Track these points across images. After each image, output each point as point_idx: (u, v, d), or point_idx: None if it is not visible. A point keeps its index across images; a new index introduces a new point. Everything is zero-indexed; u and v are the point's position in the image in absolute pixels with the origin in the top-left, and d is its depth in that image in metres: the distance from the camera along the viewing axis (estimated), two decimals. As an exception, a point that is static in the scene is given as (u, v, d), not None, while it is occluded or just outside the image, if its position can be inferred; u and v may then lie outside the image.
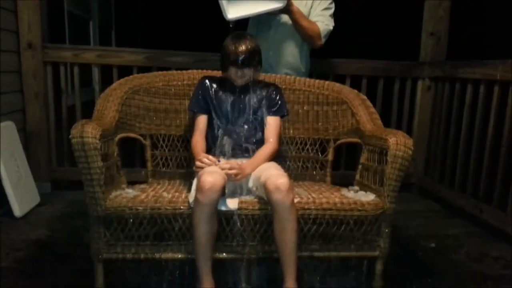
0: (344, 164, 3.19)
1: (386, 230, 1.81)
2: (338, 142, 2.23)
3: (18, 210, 2.54)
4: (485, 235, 2.55)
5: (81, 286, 1.79)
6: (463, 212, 2.82)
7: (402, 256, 2.20)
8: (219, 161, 1.74)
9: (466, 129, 2.85)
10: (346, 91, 2.27)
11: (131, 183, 1.97)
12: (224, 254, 1.75)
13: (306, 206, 1.71)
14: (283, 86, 2.16)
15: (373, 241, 1.83)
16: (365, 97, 2.26)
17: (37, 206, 2.76)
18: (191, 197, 1.64)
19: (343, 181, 2.14)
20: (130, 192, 1.74)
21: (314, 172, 2.25)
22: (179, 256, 1.74)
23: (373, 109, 2.18)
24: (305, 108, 2.23)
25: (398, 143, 1.74)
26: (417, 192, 3.36)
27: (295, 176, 2.18)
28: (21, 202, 2.58)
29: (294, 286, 1.66)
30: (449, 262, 2.22)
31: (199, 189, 1.56)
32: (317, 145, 2.24)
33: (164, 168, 2.16)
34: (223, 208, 1.65)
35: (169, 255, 1.74)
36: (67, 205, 2.78)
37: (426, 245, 2.41)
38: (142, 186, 1.94)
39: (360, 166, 2.06)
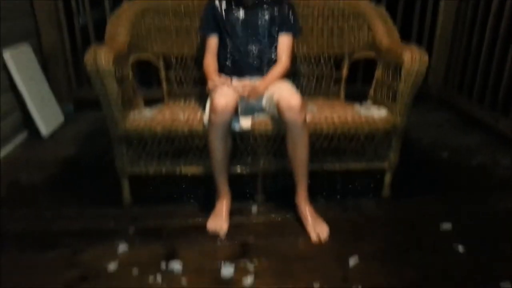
0: (361, 79, 3.16)
1: (396, 144, 1.86)
2: (353, 58, 2.20)
3: (44, 129, 2.67)
4: (499, 145, 2.57)
5: (109, 200, 1.94)
6: (479, 122, 2.83)
7: (413, 167, 2.28)
8: (231, 81, 1.76)
9: (489, 40, 2.74)
10: (363, 3, 2.18)
11: (149, 102, 2.04)
12: (240, 169, 1.86)
13: (318, 123, 1.76)
14: (296, 1, 2.08)
15: (383, 154, 1.89)
16: (383, 9, 2.17)
17: (62, 126, 2.89)
18: (206, 117, 1.70)
19: (359, 96, 2.13)
20: (147, 113, 1.81)
21: (328, 88, 2.25)
22: (198, 171, 1.86)
23: (391, 23, 2.10)
24: (319, 23, 2.17)
25: (413, 59, 1.71)
26: (435, 103, 3.34)
27: (308, 93, 2.20)
28: (46, 122, 2.71)
29: (305, 196, 1.77)
30: (459, 171, 2.29)
31: (212, 110, 1.61)
32: (332, 61, 2.22)
33: (179, 88, 2.20)
34: (236, 128, 1.71)
35: (188, 170, 1.86)
36: (90, 124, 2.90)
37: (439, 155, 2.47)
38: (159, 106, 2.00)
39: (374, 82, 2.06)
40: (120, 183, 1.89)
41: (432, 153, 2.50)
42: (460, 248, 1.64)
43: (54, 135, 2.75)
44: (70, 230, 1.75)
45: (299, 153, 1.69)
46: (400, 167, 1.96)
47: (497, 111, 2.67)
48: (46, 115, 2.73)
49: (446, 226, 1.77)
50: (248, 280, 1.47)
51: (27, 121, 2.65)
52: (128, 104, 1.79)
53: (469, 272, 1.53)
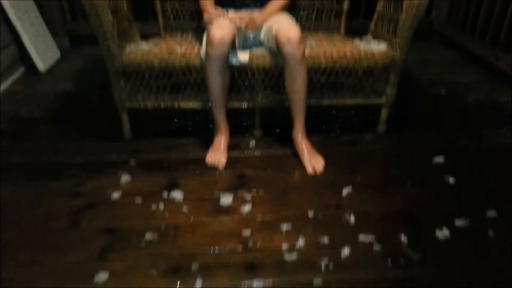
0: (364, 13, 3.08)
1: (394, 79, 1.86)
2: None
3: (41, 65, 2.65)
4: (497, 83, 2.58)
5: (110, 134, 1.98)
6: (479, 60, 2.81)
7: (410, 103, 2.31)
8: (227, 13, 1.73)
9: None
10: None
11: (145, 36, 2.01)
12: (237, 103, 1.87)
13: (316, 58, 1.75)
14: None
15: (380, 90, 1.90)
16: None
17: (59, 61, 2.86)
18: (202, 51, 1.69)
19: (361, 31, 2.08)
20: (144, 46, 1.79)
21: (329, 23, 2.21)
22: (196, 105, 1.87)
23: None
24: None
25: (415, -12, 1.67)
26: (437, 41, 3.29)
27: (308, 27, 2.16)
28: (42, 57, 2.68)
29: (302, 131, 1.80)
30: (455, 108, 2.31)
31: (209, 43, 1.59)
32: (333, -7, 2.16)
33: (176, 21, 2.15)
34: (234, 62, 1.70)
35: (186, 105, 1.87)
36: (87, 60, 2.87)
37: (436, 92, 2.48)
38: (155, 39, 1.97)
39: (376, 15, 2.02)
40: (120, 118, 1.92)
41: (430, 90, 2.51)
42: (451, 180, 1.70)
43: (51, 70, 2.73)
44: (73, 162, 1.80)
45: (297, 87, 1.69)
46: (397, 103, 1.98)
47: (498, 48, 2.64)
48: (42, 50, 2.70)
49: (439, 159, 1.82)
50: (246, 208, 1.54)
51: (24, 57, 2.63)
52: (124, 37, 1.77)
53: (457, 201, 1.60)
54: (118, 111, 1.89)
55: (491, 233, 1.44)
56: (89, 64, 2.81)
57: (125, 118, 1.90)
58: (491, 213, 1.52)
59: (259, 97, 1.86)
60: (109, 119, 2.03)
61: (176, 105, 1.86)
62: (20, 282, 1.25)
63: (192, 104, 1.87)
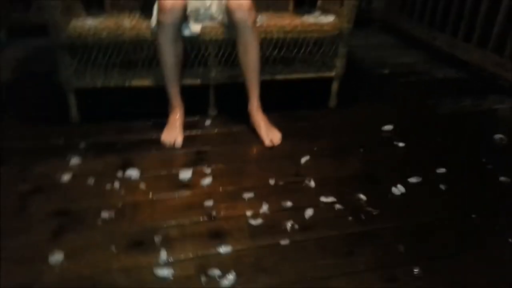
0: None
1: (342, 51, 1.91)
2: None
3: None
4: (436, 62, 2.73)
5: (56, 117, 1.86)
6: (419, 42, 2.97)
7: (356, 81, 2.39)
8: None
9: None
10: None
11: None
12: (191, 80, 1.84)
13: (268, 29, 1.76)
14: None
15: (330, 62, 1.94)
16: None
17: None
18: (153, 21, 1.64)
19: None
20: (90, 21, 1.71)
21: (276, 2, 2.21)
22: (148, 83, 1.81)
23: None
24: None
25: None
26: (378, 27, 3.42)
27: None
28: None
29: (257, 104, 1.80)
30: (399, 84, 2.42)
31: (160, 10, 1.55)
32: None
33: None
34: (186, 33, 1.67)
35: (137, 82, 1.81)
36: (27, 51, 2.68)
37: (380, 72, 2.58)
38: (103, 15, 1.88)
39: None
40: (66, 100, 1.82)
41: (374, 70, 2.60)
42: (401, 144, 1.78)
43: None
44: (17, 147, 1.68)
45: (250, 57, 1.69)
46: (345, 81, 2.04)
47: (435, 29, 2.80)
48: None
49: (388, 127, 1.90)
50: (206, 181, 1.52)
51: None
52: (67, 12, 1.67)
53: (408, 162, 1.67)
54: (64, 94, 1.79)
55: (442, 186, 1.52)
56: (30, 54, 2.64)
57: (72, 100, 1.80)
58: (441, 170, 1.60)
59: (213, 72, 1.83)
60: (55, 104, 1.93)
61: (127, 83, 1.79)
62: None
63: (144, 81, 1.81)
